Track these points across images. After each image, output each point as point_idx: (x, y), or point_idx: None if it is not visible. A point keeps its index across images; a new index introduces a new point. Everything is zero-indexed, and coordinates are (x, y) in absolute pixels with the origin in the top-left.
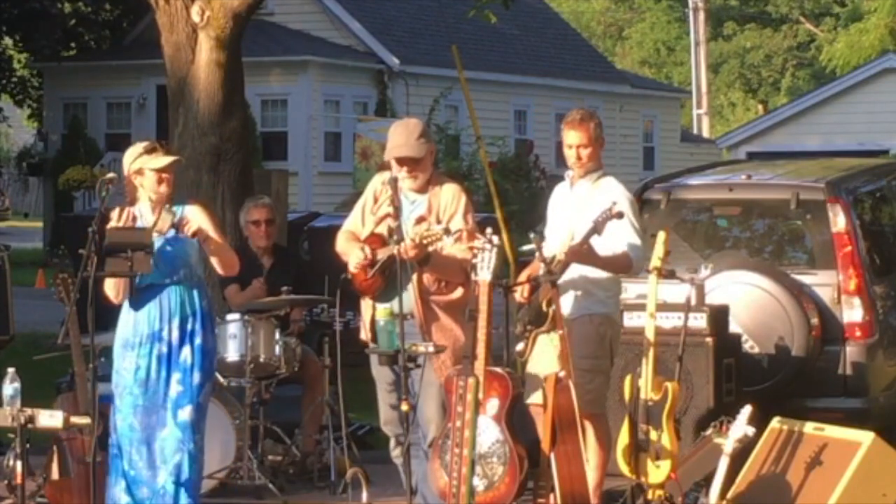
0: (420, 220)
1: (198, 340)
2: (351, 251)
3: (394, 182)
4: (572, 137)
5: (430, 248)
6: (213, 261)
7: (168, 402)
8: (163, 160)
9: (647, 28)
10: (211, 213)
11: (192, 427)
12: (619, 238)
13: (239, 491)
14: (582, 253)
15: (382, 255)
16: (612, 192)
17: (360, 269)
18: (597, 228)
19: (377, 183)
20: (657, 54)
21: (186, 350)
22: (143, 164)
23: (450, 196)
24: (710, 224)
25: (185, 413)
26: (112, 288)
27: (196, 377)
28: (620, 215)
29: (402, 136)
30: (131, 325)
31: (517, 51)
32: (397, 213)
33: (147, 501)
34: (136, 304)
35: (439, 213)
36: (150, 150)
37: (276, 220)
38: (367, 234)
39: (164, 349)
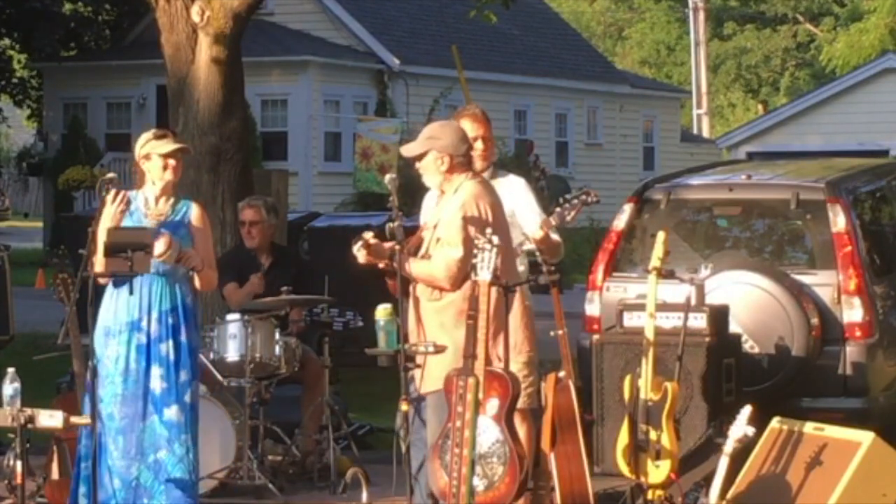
0: (422, 228)
1: (182, 337)
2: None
3: (393, 182)
4: (476, 129)
5: (381, 265)
6: (195, 276)
7: (151, 396)
8: (169, 146)
9: (647, 28)
10: (206, 217)
11: (179, 426)
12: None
13: (239, 491)
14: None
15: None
16: (516, 186)
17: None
18: (563, 216)
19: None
20: (657, 54)
21: (168, 345)
22: (150, 149)
23: (456, 205)
24: (710, 224)
25: (172, 412)
26: (100, 262)
27: (182, 375)
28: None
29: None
30: (112, 314)
31: (517, 51)
32: (396, 214)
33: (117, 492)
34: (118, 293)
35: (440, 223)
36: (159, 136)
37: (269, 222)
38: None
39: (143, 339)
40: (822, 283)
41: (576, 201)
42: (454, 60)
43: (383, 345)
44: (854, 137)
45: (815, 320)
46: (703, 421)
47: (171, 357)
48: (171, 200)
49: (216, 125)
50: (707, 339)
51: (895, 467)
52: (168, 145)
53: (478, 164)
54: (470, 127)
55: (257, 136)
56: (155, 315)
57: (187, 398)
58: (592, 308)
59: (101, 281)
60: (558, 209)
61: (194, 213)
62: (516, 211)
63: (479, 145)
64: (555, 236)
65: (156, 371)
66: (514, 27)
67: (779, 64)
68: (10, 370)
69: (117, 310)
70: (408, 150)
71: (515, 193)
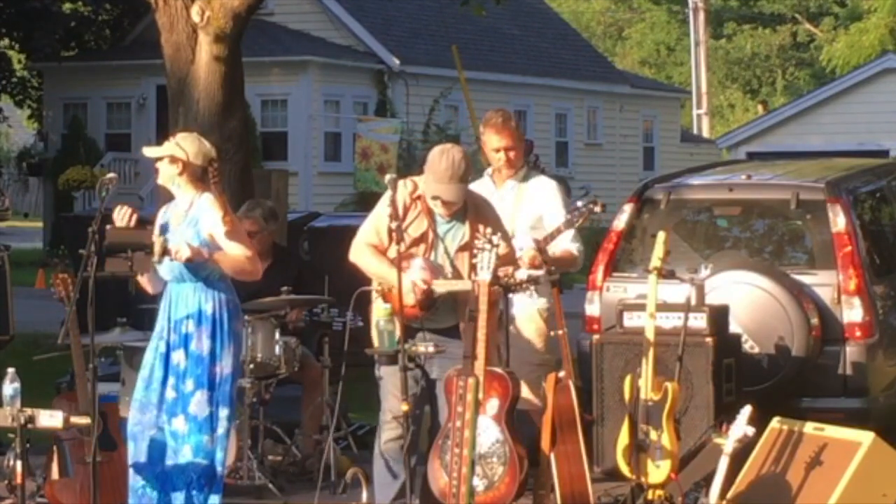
0: (465, 247)
1: (192, 346)
2: (394, 277)
3: (394, 182)
4: (499, 141)
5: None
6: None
7: (165, 405)
8: (152, 150)
9: (647, 28)
10: (224, 204)
11: (183, 437)
12: (562, 236)
13: (239, 491)
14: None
15: (441, 289)
16: (546, 189)
17: (417, 303)
18: (571, 223)
19: (403, 194)
20: (657, 54)
21: (180, 354)
22: (144, 151)
23: (490, 214)
24: (710, 224)
25: (178, 422)
26: (144, 279)
27: (188, 385)
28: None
29: (447, 173)
30: (156, 322)
31: (517, 51)
32: (396, 214)
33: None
34: (160, 302)
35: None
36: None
37: (269, 229)
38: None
39: (164, 347)
40: (822, 283)
41: (584, 209)
42: (454, 60)
43: (384, 345)
44: (854, 137)
45: (815, 320)
46: (703, 421)
47: (182, 366)
48: (186, 199)
49: (216, 125)
50: (707, 339)
51: (895, 467)
52: (152, 150)
53: (503, 171)
54: (496, 139)
55: (257, 136)
56: (172, 324)
57: (191, 409)
58: (592, 308)
59: (151, 291)
60: (568, 215)
61: (200, 205)
62: (544, 215)
63: (501, 156)
64: (574, 246)
65: (170, 380)
66: (514, 27)
67: (778, 64)
68: (10, 370)
69: (156, 318)
70: (455, 195)
71: (546, 197)
